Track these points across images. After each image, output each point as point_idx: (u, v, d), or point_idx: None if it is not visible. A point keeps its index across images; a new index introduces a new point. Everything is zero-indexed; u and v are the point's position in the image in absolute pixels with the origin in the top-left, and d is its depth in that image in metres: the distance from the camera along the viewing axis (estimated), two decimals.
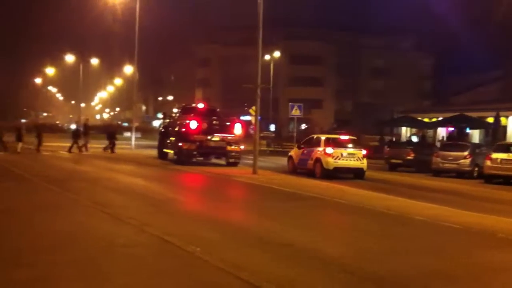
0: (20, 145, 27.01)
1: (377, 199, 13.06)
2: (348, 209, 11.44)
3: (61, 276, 5.50)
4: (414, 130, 36.60)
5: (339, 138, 20.08)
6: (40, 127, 30.85)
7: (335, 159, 18.43)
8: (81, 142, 28.53)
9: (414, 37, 67.17)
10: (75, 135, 29.16)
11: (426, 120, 37.07)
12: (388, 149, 27.04)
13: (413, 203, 12.60)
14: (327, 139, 19.48)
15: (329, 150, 18.54)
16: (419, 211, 11.19)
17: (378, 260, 6.91)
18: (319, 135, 20.70)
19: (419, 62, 68.58)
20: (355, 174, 19.10)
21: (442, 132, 33.66)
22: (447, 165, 22.67)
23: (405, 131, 40.01)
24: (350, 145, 19.29)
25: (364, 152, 19.21)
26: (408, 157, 24.84)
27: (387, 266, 6.60)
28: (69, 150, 28.10)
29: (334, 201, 12.34)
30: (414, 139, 33.06)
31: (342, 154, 18.53)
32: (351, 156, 18.62)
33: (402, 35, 67.00)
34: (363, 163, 18.93)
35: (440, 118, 34.10)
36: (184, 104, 26.99)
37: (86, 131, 29.74)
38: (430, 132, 35.74)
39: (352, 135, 21.89)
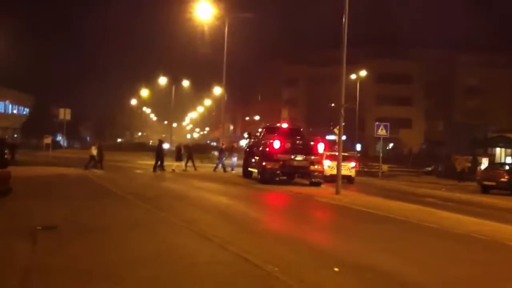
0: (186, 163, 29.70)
1: (469, 223, 12.46)
2: (438, 233, 10.99)
3: None
4: (509, 150, 34.62)
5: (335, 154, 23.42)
6: (190, 147, 33.10)
7: (331, 168, 24.07)
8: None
9: (510, 53, 63.72)
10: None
11: None
12: (481, 170, 25.86)
13: (507, 228, 11.94)
14: (328, 156, 24.92)
15: (327, 162, 24.57)
16: None
17: (464, 287, 6.62)
18: (325, 153, 24.39)
19: None
20: (347, 180, 25.59)
21: None
22: None
23: (499, 152, 37.91)
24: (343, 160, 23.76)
25: (353, 164, 27.80)
26: (503, 179, 23.59)
27: None
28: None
29: (423, 225, 11.89)
30: (510, 160, 31.28)
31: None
32: (343, 167, 22.55)
33: (498, 51, 63.80)
34: (352, 172, 27.34)
35: None
36: (268, 124, 27.34)
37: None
38: None
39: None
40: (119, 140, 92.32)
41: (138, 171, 28.48)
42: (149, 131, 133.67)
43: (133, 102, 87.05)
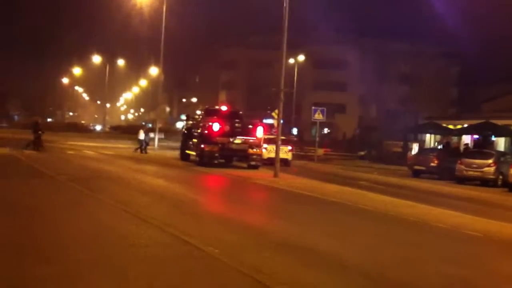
0: None
1: (400, 206, 12.93)
2: (371, 215, 11.34)
3: (81, 274, 5.56)
4: (438, 137, 36.13)
5: (273, 138, 24.41)
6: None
7: (269, 152, 24.83)
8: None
9: (442, 44, 66.27)
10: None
11: (451, 127, 36.53)
12: (411, 155, 26.87)
13: (435, 211, 12.46)
14: (265, 139, 24.77)
15: (265, 145, 24.84)
16: (442, 218, 11.07)
17: (398, 267, 6.85)
18: (263, 136, 24.26)
19: (447, 69, 67.78)
20: (283, 163, 24.20)
21: (466, 139, 33.14)
22: (471, 172, 22.35)
23: (429, 138, 39.50)
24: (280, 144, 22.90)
25: (290, 148, 27.63)
26: (432, 164, 24.60)
27: (408, 273, 6.54)
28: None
29: (356, 207, 12.25)
30: (438, 146, 32.67)
31: (274, 149, 21.55)
32: (280, 150, 22.02)
33: (431, 41, 66.14)
34: (288, 155, 27.11)
35: (465, 125, 33.62)
36: (207, 106, 27.16)
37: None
38: (455, 139, 35.24)
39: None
40: (49, 119, 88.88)
41: (70, 152, 27.57)
42: (81, 110, 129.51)
43: (65, 80, 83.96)
